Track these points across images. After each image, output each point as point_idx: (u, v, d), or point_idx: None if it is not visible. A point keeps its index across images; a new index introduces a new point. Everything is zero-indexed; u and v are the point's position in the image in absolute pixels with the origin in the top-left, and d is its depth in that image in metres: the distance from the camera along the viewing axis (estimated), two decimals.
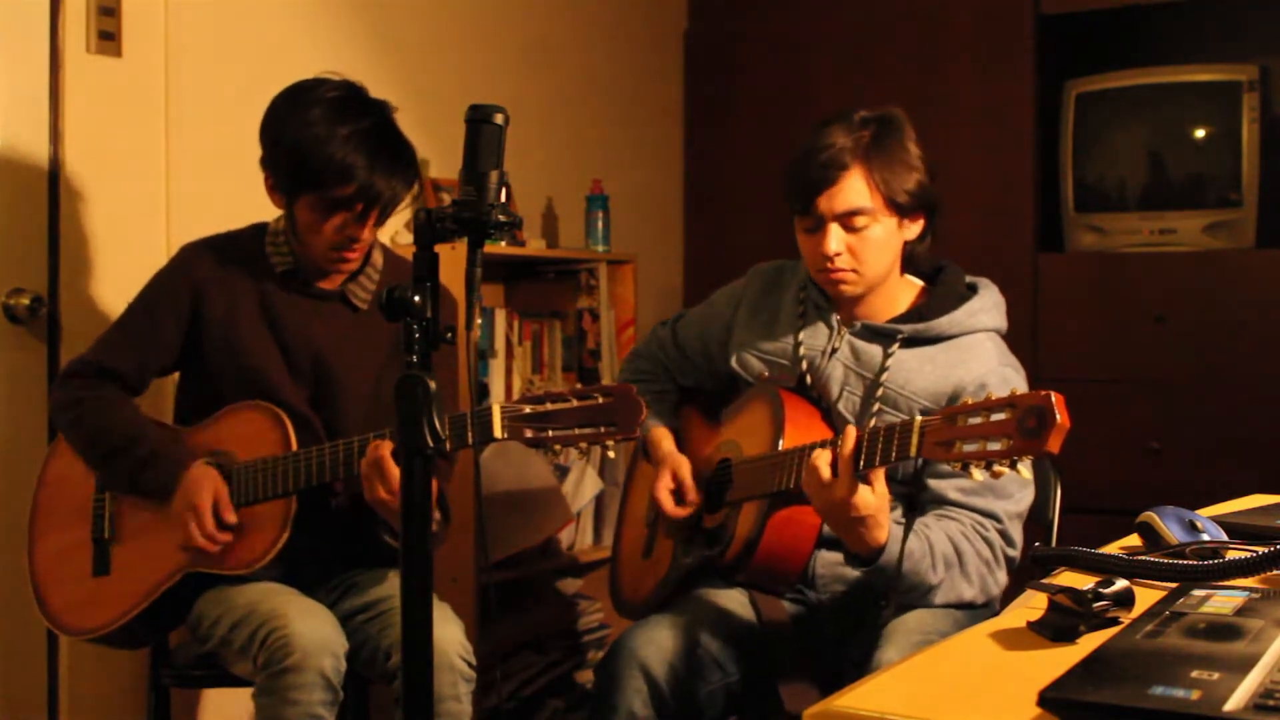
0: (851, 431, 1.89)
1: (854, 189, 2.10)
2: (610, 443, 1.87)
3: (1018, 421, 1.62)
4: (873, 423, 2.08)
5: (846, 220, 2.11)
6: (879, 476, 1.90)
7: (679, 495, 2.28)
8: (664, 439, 2.35)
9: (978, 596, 2.07)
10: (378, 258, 2.38)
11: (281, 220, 2.32)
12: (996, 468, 1.64)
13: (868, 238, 2.12)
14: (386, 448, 2.05)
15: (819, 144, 2.12)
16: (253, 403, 2.24)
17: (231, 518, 2.16)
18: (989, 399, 1.68)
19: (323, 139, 2.15)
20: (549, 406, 1.87)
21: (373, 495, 2.09)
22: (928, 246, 2.22)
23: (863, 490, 1.89)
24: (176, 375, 2.39)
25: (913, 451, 1.77)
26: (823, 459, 1.90)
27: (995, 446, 1.64)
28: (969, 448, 1.67)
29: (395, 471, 2.02)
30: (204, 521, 2.14)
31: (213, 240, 2.36)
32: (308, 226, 2.23)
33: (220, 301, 2.29)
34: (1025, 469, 1.64)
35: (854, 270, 2.13)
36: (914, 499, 2.12)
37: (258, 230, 2.35)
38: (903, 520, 2.05)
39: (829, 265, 2.13)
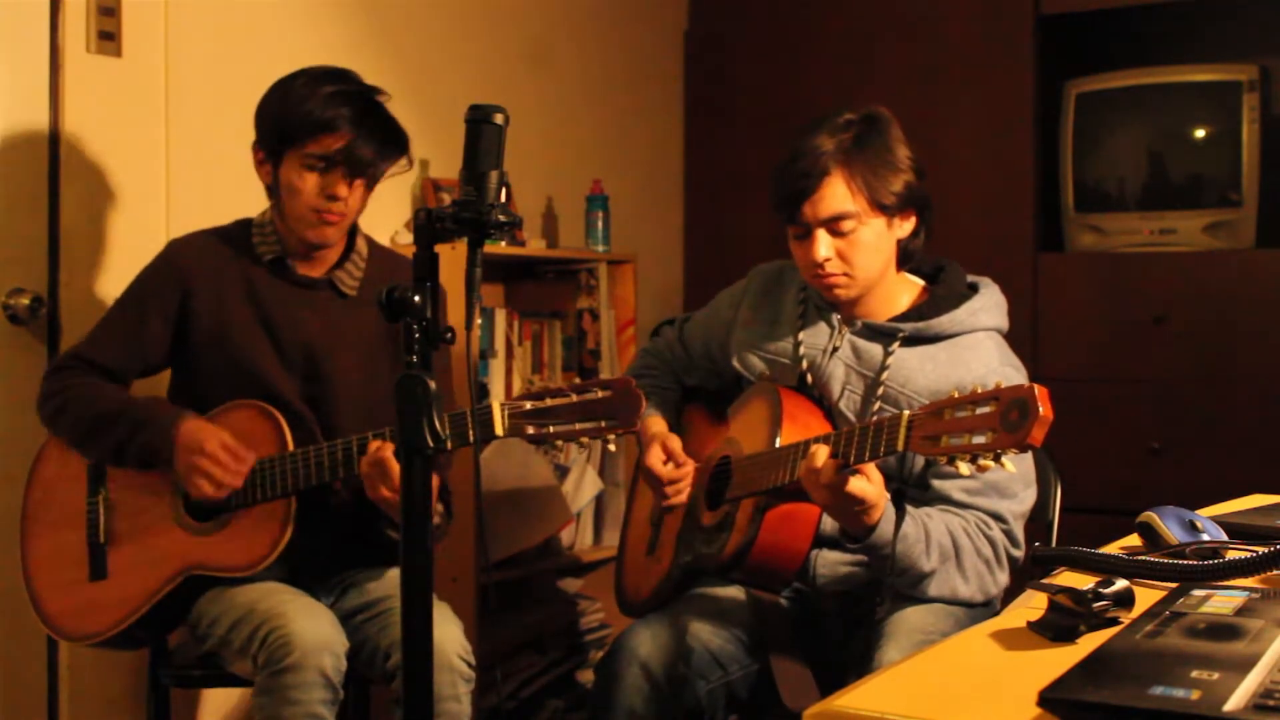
0: (819, 449, 1.90)
1: (836, 194, 2.09)
2: (611, 436, 1.86)
3: (1001, 414, 1.62)
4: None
5: (832, 225, 2.10)
6: (868, 465, 1.91)
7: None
8: (655, 423, 2.35)
9: (975, 595, 2.06)
10: (362, 245, 2.38)
11: (268, 212, 2.33)
12: (982, 461, 1.64)
13: (856, 241, 2.11)
14: (388, 449, 2.06)
15: (799, 150, 2.11)
16: (247, 402, 2.23)
17: (248, 456, 2.14)
18: (974, 392, 1.68)
19: (306, 95, 2.20)
20: (549, 402, 1.86)
21: (375, 494, 2.10)
22: (922, 243, 2.21)
23: (857, 481, 1.89)
24: (168, 374, 2.38)
25: (900, 445, 1.77)
26: (819, 454, 1.90)
27: (980, 440, 1.64)
28: (955, 441, 1.67)
29: (397, 470, 2.01)
30: (221, 460, 2.12)
31: (198, 235, 2.36)
32: (290, 188, 2.23)
33: (208, 294, 2.29)
34: (1010, 463, 1.64)
35: (846, 274, 2.13)
36: (913, 499, 2.12)
37: (243, 224, 2.36)
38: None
39: (820, 271, 2.12)
